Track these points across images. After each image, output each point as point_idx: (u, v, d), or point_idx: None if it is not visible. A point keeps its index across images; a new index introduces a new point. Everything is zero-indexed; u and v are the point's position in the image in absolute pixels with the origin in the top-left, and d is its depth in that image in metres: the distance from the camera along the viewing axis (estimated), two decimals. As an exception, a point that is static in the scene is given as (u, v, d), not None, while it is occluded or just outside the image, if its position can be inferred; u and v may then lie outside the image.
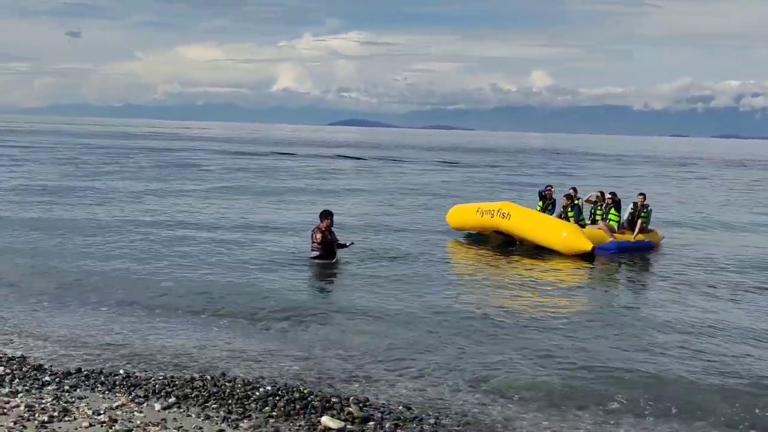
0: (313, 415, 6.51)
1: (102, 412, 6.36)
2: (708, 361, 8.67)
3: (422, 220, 21.08)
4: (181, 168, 40.23)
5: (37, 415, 6.19)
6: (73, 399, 6.69)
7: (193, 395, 6.89)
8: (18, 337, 9.00)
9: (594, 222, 17.25)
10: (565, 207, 17.20)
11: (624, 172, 51.07)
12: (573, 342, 9.31)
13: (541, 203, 18.21)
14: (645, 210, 17.07)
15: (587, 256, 15.40)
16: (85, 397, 6.77)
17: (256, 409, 6.62)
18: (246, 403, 6.75)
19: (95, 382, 7.24)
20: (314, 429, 6.26)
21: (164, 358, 8.27)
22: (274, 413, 6.54)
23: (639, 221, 16.89)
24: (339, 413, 6.56)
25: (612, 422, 6.93)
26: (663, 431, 6.80)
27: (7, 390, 6.89)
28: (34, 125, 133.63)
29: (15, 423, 6.00)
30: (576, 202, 17.31)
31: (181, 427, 6.15)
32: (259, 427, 6.26)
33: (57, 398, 6.68)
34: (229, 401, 6.77)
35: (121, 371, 7.65)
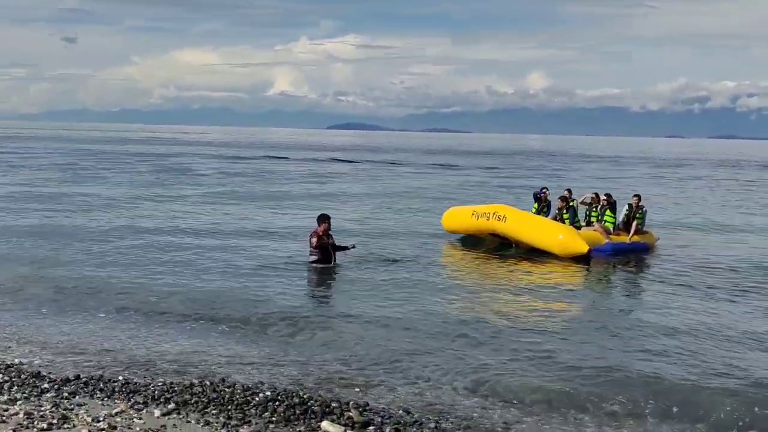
0: (313, 420, 6.51)
1: (101, 419, 6.35)
2: (707, 362, 8.69)
3: (419, 224, 21.08)
4: (179, 173, 40.23)
5: (36, 422, 6.18)
6: (72, 406, 6.68)
7: (192, 401, 6.89)
8: (16, 344, 8.99)
9: (589, 224, 17.27)
10: (560, 209, 17.21)
11: (620, 173, 51.16)
12: (571, 345, 9.32)
13: (536, 205, 18.22)
14: (640, 211, 17.10)
15: (583, 258, 15.42)
16: (84, 404, 6.75)
17: (256, 414, 6.62)
18: (246, 408, 6.75)
19: (94, 388, 7.23)
20: (314, 434, 6.27)
21: (163, 364, 8.26)
22: (273, 418, 6.54)
23: (634, 223, 16.92)
24: (339, 418, 6.56)
25: (613, 424, 6.94)
26: (663, 433, 6.82)
27: (5, 397, 6.88)
28: (32, 131, 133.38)
29: (14, 430, 6.00)
30: (571, 203, 17.33)
31: (181, 433, 6.15)
32: (259, 432, 6.26)
33: (56, 405, 6.66)
34: (229, 407, 6.77)
35: (120, 378, 7.64)
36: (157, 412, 6.59)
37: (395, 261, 14.87)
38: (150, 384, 7.43)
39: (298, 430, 6.34)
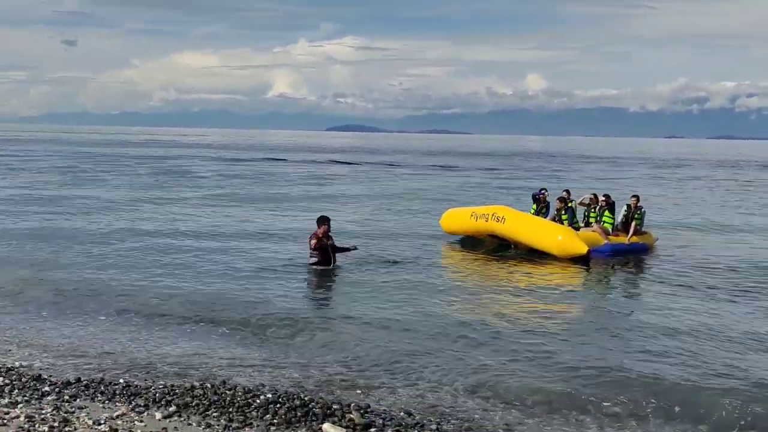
0: (314, 422, 6.52)
1: (102, 422, 6.36)
2: (707, 362, 8.69)
3: (418, 225, 21.07)
4: (179, 175, 40.23)
5: (37, 425, 6.18)
6: (73, 409, 6.68)
7: (193, 404, 6.89)
8: (17, 347, 8.99)
9: (588, 224, 17.27)
10: (558, 210, 17.21)
11: (619, 174, 51.18)
12: (572, 346, 9.33)
13: (535, 206, 18.22)
14: (638, 212, 17.11)
15: (582, 259, 15.43)
16: (85, 407, 6.76)
17: (257, 417, 6.63)
18: (247, 411, 6.75)
19: (95, 391, 7.23)
20: (315, 436, 6.27)
21: (164, 367, 8.26)
22: (275, 421, 6.54)
23: (633, 223, 16.92)
24: (340, 420, 6.57)
25: (615, 425, 6.95)
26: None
27: (6, 401, 6.88)
28: (32, 134, 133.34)
29: (16, 434, 6.01)
30: (569, 204, 17.34)
31: (183, 436, 6.16)
32: (261, 435, 6.27)
33: (57, 408, 6.67)
34: (230, 409, 6.77)
35: (121, 380, 7.64)
36: (158, 415, 6.59)
37: (395, 262, 14.87)
38: (151, 387, 7.43)
39: (299, 432, 6.35)
